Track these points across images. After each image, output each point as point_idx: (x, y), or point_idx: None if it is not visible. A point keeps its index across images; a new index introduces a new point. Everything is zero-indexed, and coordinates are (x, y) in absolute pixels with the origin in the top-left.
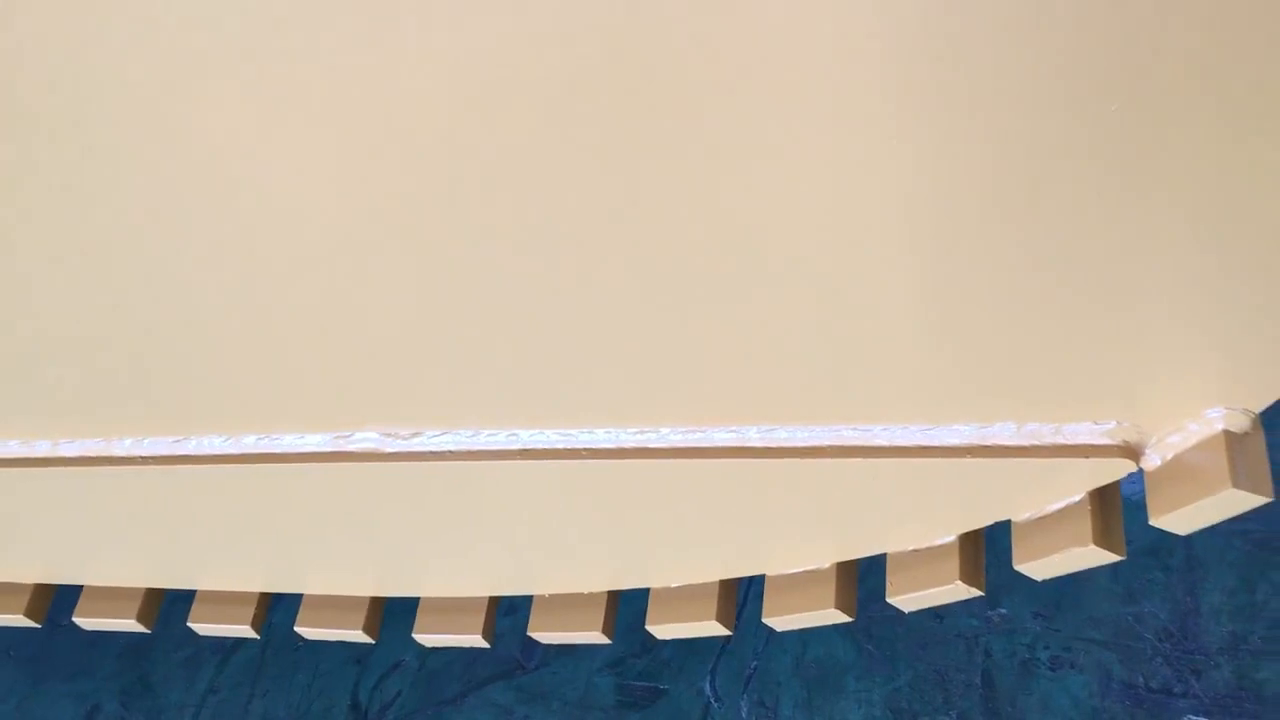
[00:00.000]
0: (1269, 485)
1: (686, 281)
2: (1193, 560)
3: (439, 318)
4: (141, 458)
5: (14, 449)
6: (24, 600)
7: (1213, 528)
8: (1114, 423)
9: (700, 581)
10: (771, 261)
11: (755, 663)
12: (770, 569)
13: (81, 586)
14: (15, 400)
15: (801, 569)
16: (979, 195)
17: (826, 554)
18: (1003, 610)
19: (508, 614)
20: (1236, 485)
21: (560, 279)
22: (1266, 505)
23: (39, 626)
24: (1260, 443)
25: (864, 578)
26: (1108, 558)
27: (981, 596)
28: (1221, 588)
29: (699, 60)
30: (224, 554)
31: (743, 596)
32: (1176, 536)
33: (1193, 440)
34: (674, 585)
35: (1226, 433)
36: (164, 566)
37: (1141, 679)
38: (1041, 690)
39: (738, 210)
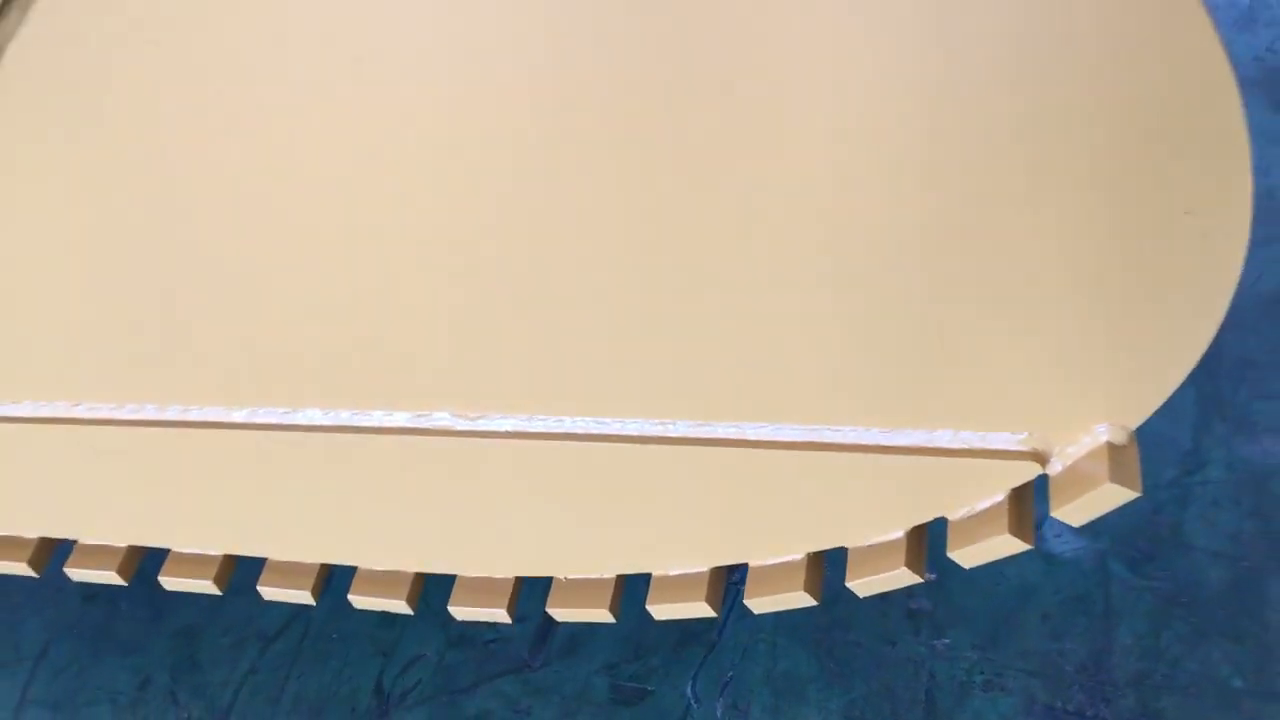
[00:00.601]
0: (1139, 484)
1: (701, 291)
2: (1110, 609)
3: (505, 316)
4: (254, 424)
5: (133, 412)
6: (118, 560)
7: (1127, 583)
8: (1026, 434)
9: (694, 570)
10: (769, 276)
11: (731, 672)
12: (753, 559)
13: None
14: (149, 362)
15: (779, 560)
16: (916, 237)
17: (800, 545)
18: (946, 640)
19: (519, 621)
20: (1113, 481)
21: (599, 285)
22: (1174, 566)
23: (125, 583)
24: (1134, 451)
25: (829, 607)
26: (1020, 546)
27: (930, 617)
28: (1132, 632)
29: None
30: (298, 524)
31: (725, 615)
32: (1099, 589)
33: (1084, 450)
34: (672, 573)
35: (1109, 444)
36: (244, 533)
37: (1060, 703)
38: (975, 708)
39: (731, 230)
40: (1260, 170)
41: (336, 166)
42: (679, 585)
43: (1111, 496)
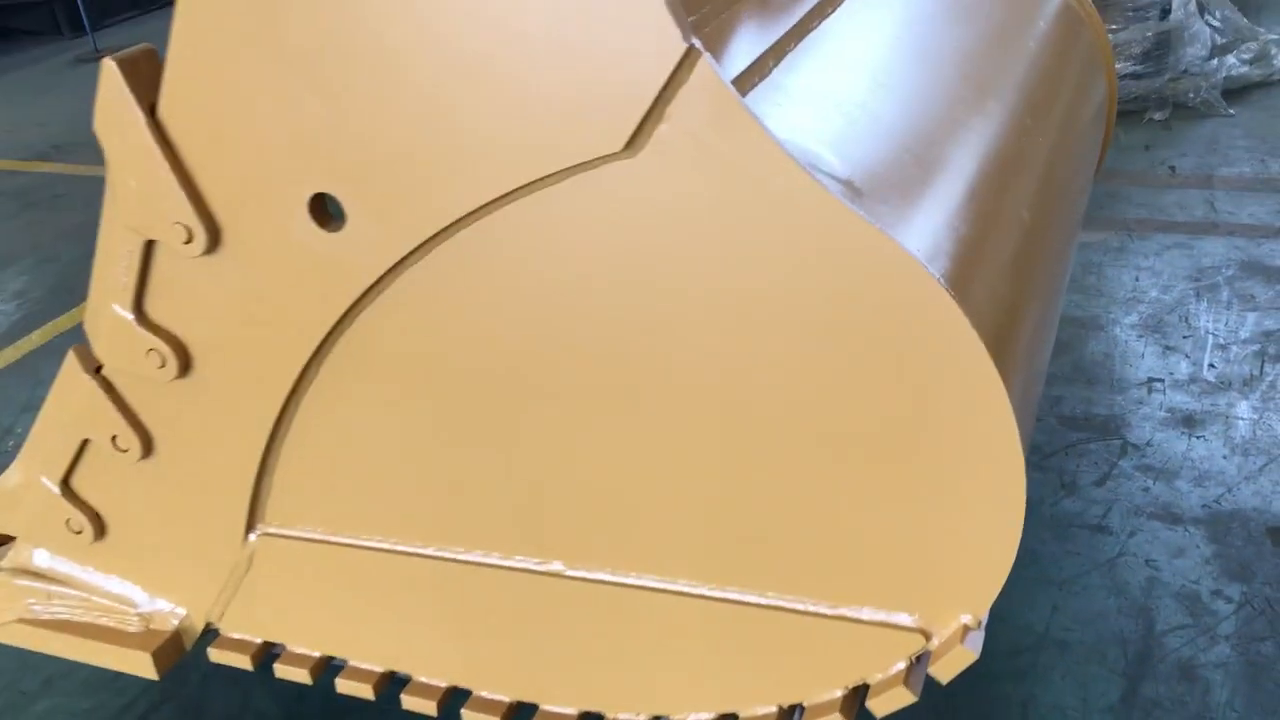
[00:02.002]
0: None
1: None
2: None
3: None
4: (512, 567)
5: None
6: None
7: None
8: (917, 616)
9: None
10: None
11: None
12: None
13: None
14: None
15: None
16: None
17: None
18: None
19: None
20: (967, 649)
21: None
22: None
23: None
24: (980, 634)
25: None
26: (910, 699)
27: None
28: None
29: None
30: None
31: None
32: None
33: (951, 629)
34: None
35: (963, 626)
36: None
37: None
38: None
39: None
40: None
41: (589, 414)
42: None
43: (964, 659)
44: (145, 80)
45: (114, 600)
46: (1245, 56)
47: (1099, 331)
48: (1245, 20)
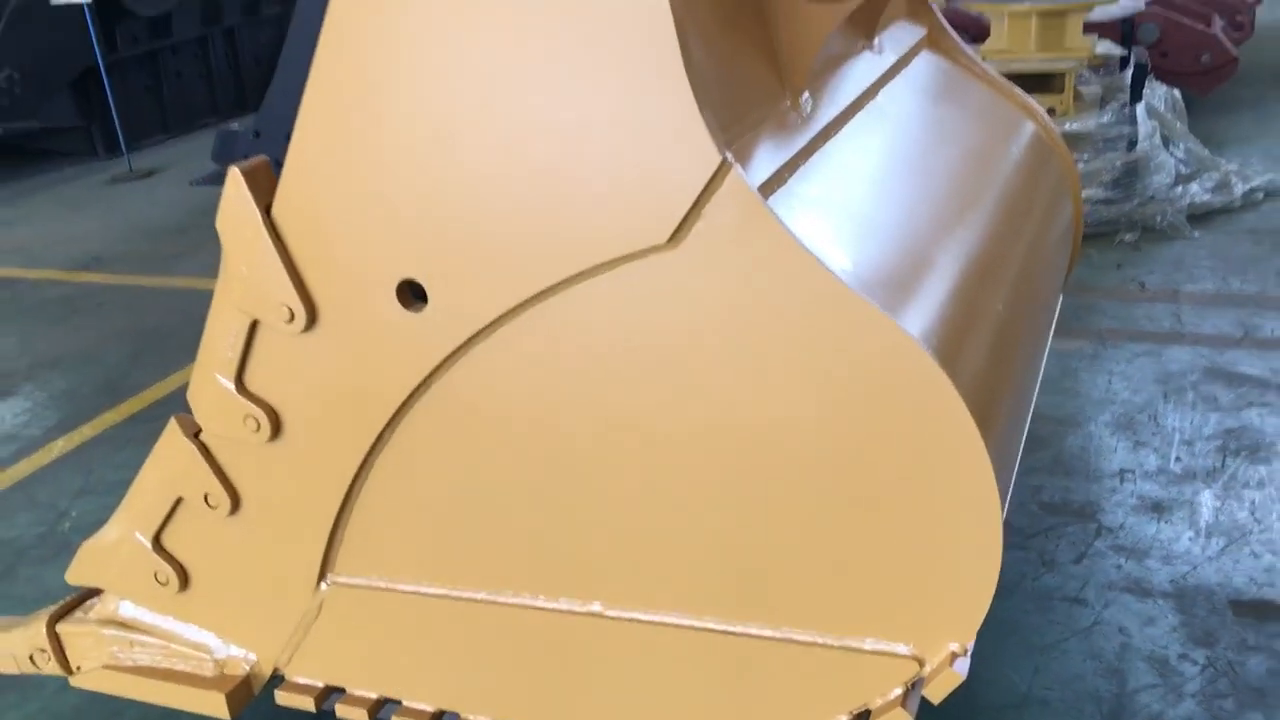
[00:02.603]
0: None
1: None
2: None
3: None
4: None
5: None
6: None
7: None
8: (913, 645)
9: None
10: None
11: None
12: None
13: None
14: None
15: None
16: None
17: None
18: None
19: None
20: (955, 672)
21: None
22: None
23: None
24: (966, 660)
25: None
26: (907, 718)
27: None
28: None
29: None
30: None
31: None
32: None
33: (942, 656)
34: None
35: (951, 653)
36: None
37: None
38: None
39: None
40: None
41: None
42: None
43: (953, 681)
44: (262, 186)
45: (191, 647)
46: (1208, 185)
47: (1076, 429)
48: (1207, 152)
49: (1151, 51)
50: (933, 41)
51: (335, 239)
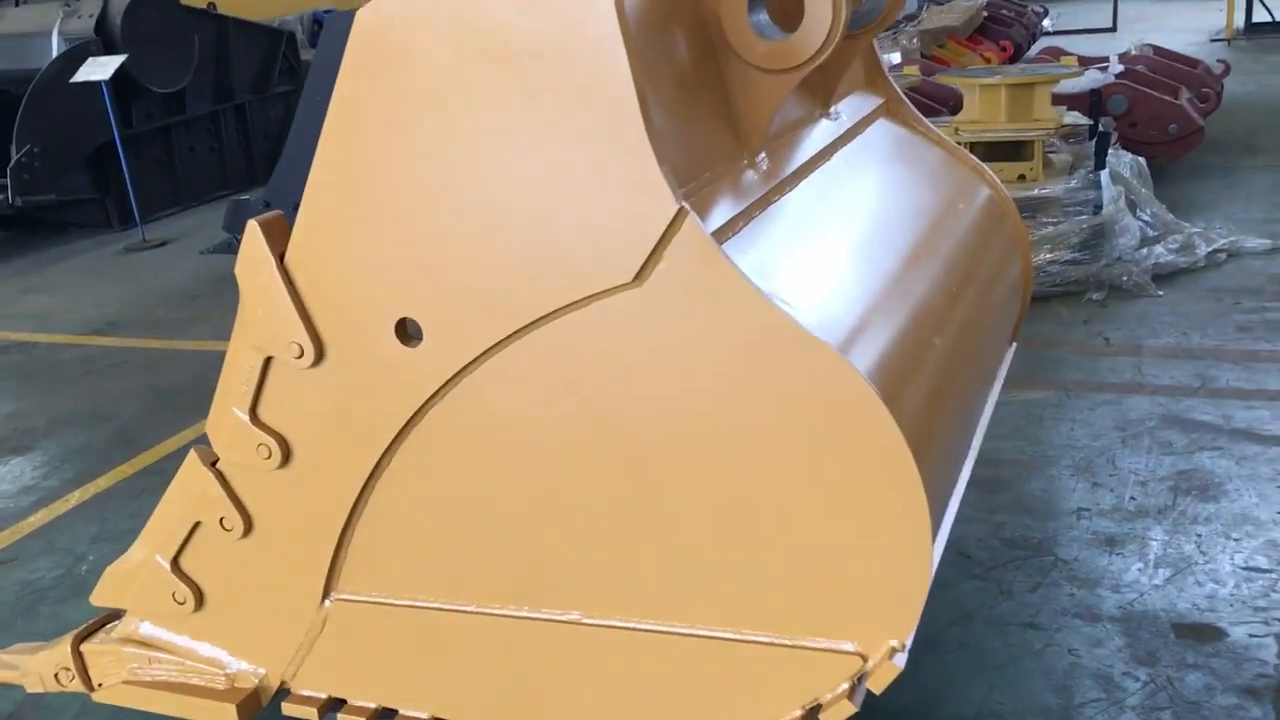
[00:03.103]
0: (898, 670)
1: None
2: None
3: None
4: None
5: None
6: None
7: None
8: (857, 643)
9: None
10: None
11: None
12: None
13: None
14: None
15: None
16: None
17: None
18: None
19: None
20: (894, 664)
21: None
22: None
23: None
24: (904, 654)
25: None
26: (851, 710)
27: None
28: None
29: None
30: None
31: None
32: None
33: (883, 651)
34: None
35: (891, 648)
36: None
37: None
38: None
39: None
40: None
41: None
42: None
43: (892, 672)
44: (277, 237)
45: (205, 663)
46: (1172, 246)
47: (1038, 472)
48: (1172, 216)
49: (1121, 122)
50: (890, 110)
51: (340, 284)
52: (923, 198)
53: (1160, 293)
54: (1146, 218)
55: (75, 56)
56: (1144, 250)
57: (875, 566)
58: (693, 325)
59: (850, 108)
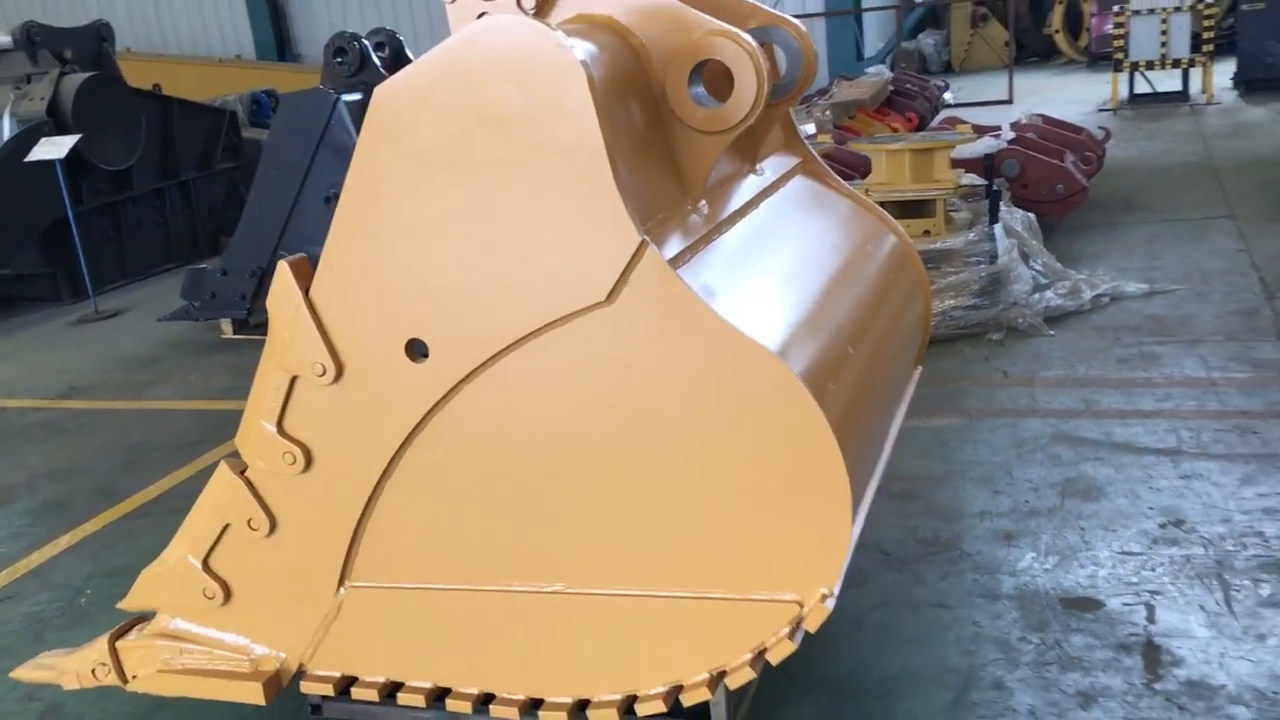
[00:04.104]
0: (828, 612)
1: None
2: None
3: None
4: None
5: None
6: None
7: None
8: (794, 593)
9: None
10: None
11: None
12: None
13: None
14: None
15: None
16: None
17: (676, 672)
18: None
19: None
20: (825, 607)
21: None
22: None
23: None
24: (833, 599)
25: None
26: (791, 648)
27: None
28: None
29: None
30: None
31: None
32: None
33: (815, 598)
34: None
35: (822, 594)
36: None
37: None
38: None
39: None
40: None
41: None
42: None
43: (823, 614)
44: (303, 275)
45: (231, 650)
46: (1061, 292)
47: (946, 484)
48: (1060, 265)
49: (1014, 183)
50: (806, 168)
51: (358, 312)
52: (837, 239)
53: (1052, 332)
54: (1038, 267)
55: (29, 137)
56: (1036, 295)
57: (808, 530)
58: (655, 335)
59: (773, 165)
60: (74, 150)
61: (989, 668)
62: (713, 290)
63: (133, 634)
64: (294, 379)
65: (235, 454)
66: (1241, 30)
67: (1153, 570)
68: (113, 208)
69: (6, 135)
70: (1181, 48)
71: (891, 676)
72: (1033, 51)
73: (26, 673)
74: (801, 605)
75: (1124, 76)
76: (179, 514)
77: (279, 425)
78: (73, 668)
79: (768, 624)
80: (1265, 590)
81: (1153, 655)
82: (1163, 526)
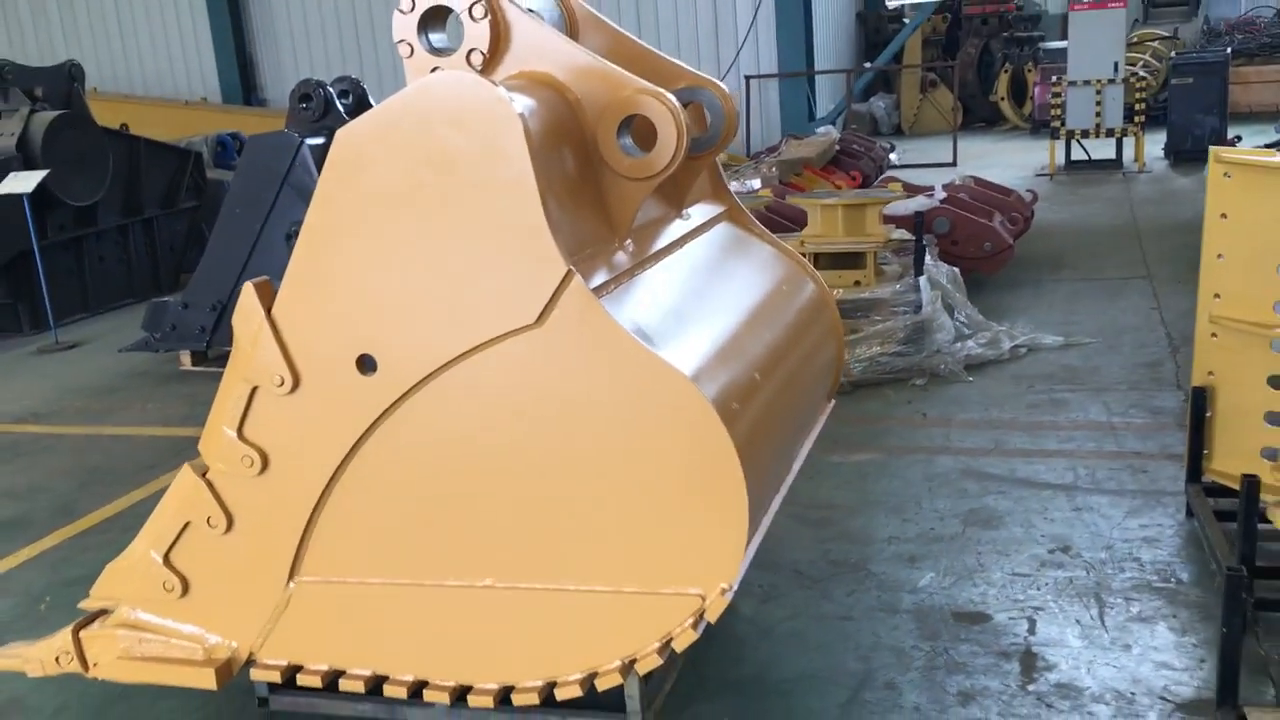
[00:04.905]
0: (726, 603)
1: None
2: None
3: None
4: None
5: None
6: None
7: None
8: (698, 588)
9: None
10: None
11: None
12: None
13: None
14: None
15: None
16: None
17: (588, 660)
18: None
19: None
20: (725, 599)
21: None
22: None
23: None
24: (731, 593)
25: None
26: (693, 637)
27: None
28: None
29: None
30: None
31: None
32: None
33: (716, 592)
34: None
35: (722, 589)
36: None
37: None
38: None
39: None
40: None
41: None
42: None
43: (723, 605)
44: (265, 295)
45: (187, 639)
46: (982, 341)
47: (860, 512)
48: (982, 317)
49: (944, 240)
50: (731, 216)
51: (314, 329)
52: (754, 279)
53: (971, 379)
54: (962, 318)
55: None
56: (959, 344)
57: (710, 531)
58: (578, 356)
59: (699, 212)
60: (41, 185)
61: (883, 671)
62: (633, 318)
63: (95, 625)
64: (255, 389)
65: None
66: (1172, 103)
67: (1038, 589)
68: (77, 242)
69: None
70: (1115, 118)
71: (794, 678)
72: (980, 117)
73: None
74: (704, 598)
75: (1061, 144)
76: (135, 531)
77: (239, 431)
78: (36, 656)
79: (674, 615)
80: (1136, 608)
81: (1030, 662)
82: (1051, 552)
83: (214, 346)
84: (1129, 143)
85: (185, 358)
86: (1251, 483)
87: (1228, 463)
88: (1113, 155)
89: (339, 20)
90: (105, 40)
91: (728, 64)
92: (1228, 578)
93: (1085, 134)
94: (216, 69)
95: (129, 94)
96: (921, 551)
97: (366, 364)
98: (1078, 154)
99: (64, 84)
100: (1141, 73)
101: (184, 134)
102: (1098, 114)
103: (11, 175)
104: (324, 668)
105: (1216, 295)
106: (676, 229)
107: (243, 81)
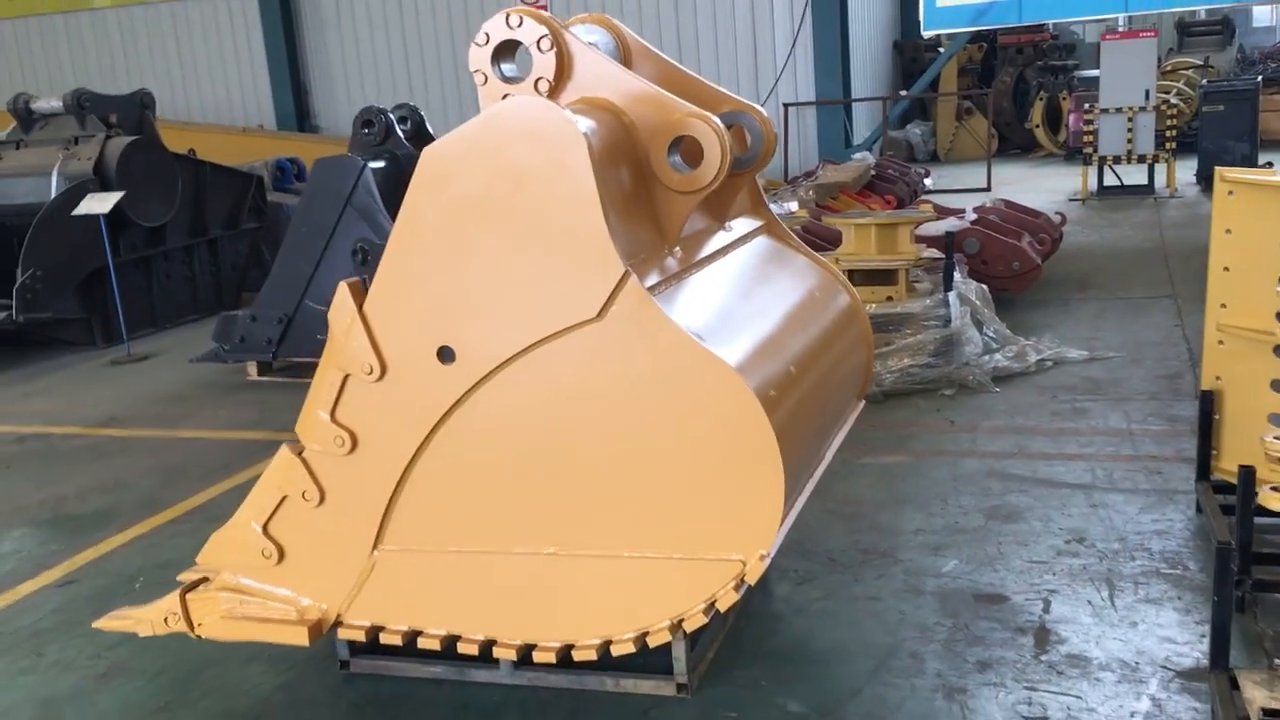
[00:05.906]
0: (764, 568)
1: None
2: None
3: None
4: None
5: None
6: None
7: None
8: (739, 554)
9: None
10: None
11: None
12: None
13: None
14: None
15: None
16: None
17: (640, 619)
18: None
19: None
20: (763, 564)
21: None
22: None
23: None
24: (769, 558)
25: None
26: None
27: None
28: None
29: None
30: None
31: None
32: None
33: (755, 558)
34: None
35: (760, 555)
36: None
37: None
38: None
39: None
40: None
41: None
42: None
43: (761, 569)
44: (357, 294)
45: (282, 602)
46: (1009, 354)
47: (889, 507)
48: (1009, 331)
49: (974, 259)
50: (769, 229)
51: (400, 323)
52: (789, 285)
53: (997, 389)
54: (990, 333)
55: (76, 193)
56: (986, 357)
57: (750, 503)
58: (635, 347)
59: (740, 225)
60: (115, 206)
61: (908, 643)
62: (682, 314)
63: (200, 588)
64: (346, 377)
65: (295, 439)
66: (1204, 130)
67: (1054, 575)
68: (146, 261)
69: (54, 192)
70: (1146, 144)
71: (827, 649)
72: (1015, 144)
73: (106, 622)
74: (744, 563)
75: (1094, 170)
76: (218, 520)
77: (332, 414)
78: (147, 617)
79: (718, 579)
80: (1144, 591)
81: (1043, 636)
82: (1067, 542)
83: (279, 358)
84: (1160, 169)
85: (252, 368)
86: (1248, 472)
87: (1234, 461)
88: (1144, 181)
89: (390, 50)
90: (165, 69)
91: (767, 92)
92: (1217, 551)
93: (1117, 160)
94: (272, 97)
95: (188, 121)
96: (946, 541)
97: (446, 354)
98: (1110, 180)
99: (136, 111)
100: (1174, 100)
101: (242, 159)
102: (1129, 140)
103: (89, 196)
104: (403, 628)
105: (1223, 305)
106: (720, 239)
107: (297, 108)
